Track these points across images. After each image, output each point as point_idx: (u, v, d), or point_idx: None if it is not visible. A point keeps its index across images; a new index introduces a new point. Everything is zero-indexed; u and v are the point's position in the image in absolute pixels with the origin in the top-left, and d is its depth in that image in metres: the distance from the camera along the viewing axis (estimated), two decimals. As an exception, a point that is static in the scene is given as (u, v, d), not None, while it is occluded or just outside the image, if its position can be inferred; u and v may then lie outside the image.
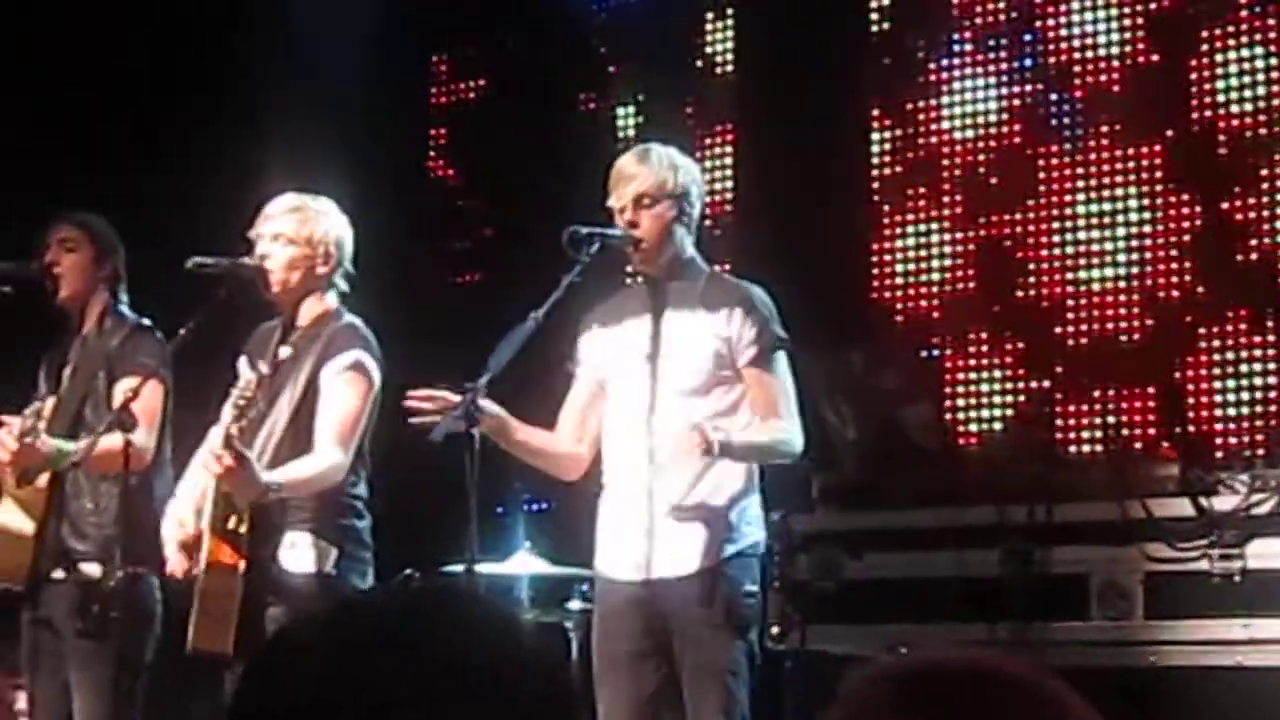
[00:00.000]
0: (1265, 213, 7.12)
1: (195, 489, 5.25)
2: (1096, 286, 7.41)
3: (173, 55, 8.20)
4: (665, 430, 4.99)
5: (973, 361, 7.66)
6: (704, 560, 4.98)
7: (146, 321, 5.70)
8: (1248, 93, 7.18)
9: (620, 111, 8.66)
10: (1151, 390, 7.26)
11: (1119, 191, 7.39)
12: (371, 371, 5.27)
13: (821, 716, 1.64)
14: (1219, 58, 7.25)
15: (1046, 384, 7.51)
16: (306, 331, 5.33)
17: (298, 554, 5.13)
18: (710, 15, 8.55)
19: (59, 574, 5.51)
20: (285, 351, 5.32)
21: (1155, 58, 7.42)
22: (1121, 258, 7.37)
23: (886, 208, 7.99)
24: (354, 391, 5.22)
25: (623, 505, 5.09)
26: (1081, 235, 7.46)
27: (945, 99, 7.87)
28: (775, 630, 4.92)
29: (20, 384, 5.82)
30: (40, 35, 8.11)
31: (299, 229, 5.33)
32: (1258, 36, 7.21)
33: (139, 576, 5.38)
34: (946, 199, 7.85)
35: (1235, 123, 7.20)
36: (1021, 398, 7.53)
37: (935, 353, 7.73)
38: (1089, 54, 7.55)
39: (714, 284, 5.18)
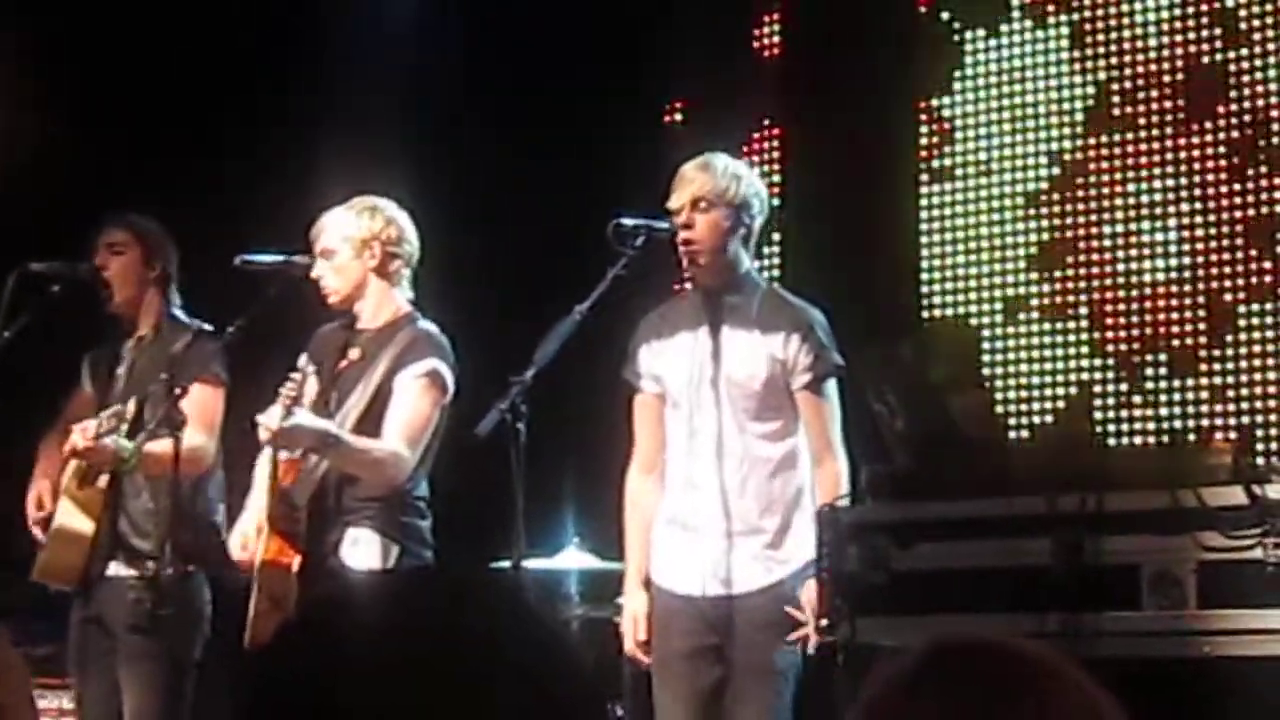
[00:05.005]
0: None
1: (260, 503, 5.30)
2: (1148, 277, 7.36)
3: (232, 57, 8.23)
4: (729, 453, 5.00)
5: (1024, 353, 7.62)
6: (763, 580, 5.00)
7: (208, 327, 5.70)
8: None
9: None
10: (1204, 380, 7.22)
11: (1170, 181, 7.34)
12: (446, 381, 5.29)
13: (848, 711, 1.64)
14: (1270, 45, 7.19)
15: (1098, 374, 7.47)
16: (378, 334, 5.34)
17: (359, 550, 5.17)
18: (760, 3, 8.52)
19: (116, 569, 5.55)
20: (354, 353, 5.35)
21: (1205, 45, 7.37)
22: (1173, 248, 7.32)
23: (936, 198, 7.96)
24: (427, 398, 5.25)
25: (683, 524, 5.09)
26: (1133, 225, 7.42)
27: (994, 89, 7.83)
28: (824, 623, 4.90)
29: (65, 381, 5.85)
30: (102, 40, 8.15)
31: (356, 230, 5.37)
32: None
33: (189, 574, 5.41)
34: (997, 189, 7.81)
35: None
36: (1073, 388, 7.49)
37: (985, 343, 7.70)
38: (1139, 42, 7.50)
39: (771, 302, 5.16)
